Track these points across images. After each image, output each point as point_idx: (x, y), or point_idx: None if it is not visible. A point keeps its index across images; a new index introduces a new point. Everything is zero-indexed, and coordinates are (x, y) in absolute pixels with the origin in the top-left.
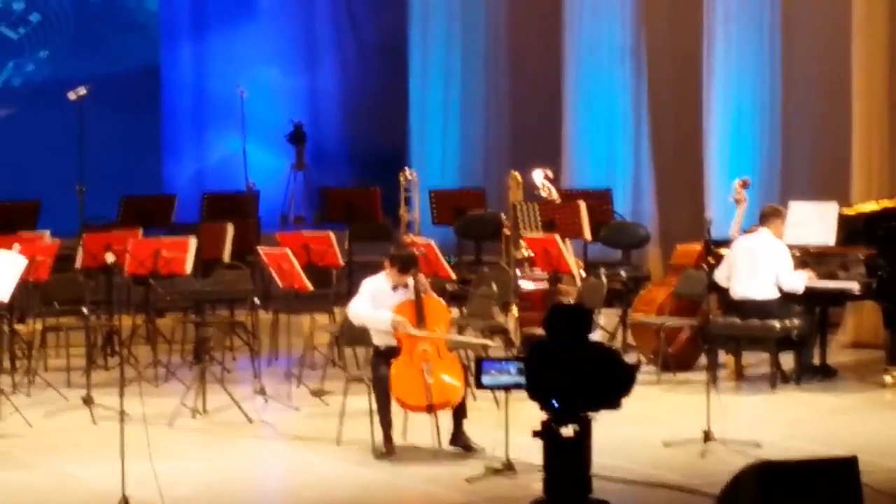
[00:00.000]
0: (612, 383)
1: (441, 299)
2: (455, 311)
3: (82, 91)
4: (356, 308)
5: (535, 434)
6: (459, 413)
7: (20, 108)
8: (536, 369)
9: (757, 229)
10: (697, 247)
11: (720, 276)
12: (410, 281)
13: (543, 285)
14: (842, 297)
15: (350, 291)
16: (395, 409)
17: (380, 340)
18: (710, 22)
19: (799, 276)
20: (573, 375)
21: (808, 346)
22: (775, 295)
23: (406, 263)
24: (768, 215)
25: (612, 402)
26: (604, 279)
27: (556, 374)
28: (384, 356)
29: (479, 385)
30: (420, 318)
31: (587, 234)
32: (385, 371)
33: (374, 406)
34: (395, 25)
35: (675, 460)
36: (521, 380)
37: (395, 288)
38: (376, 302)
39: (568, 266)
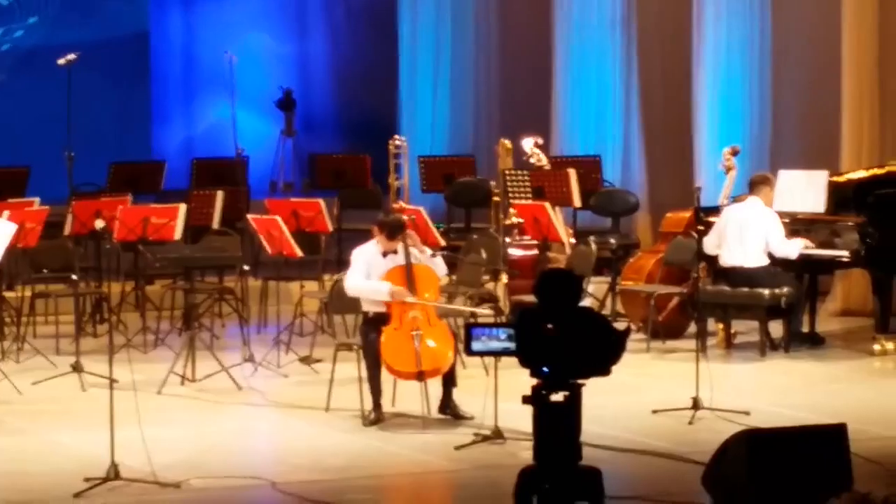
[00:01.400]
0: (603, 349)
1: (431, 257)
2: (444, 279)
3: (72, 57)
4: (353, 281)
5: (525, 400)
6: (449, 381)
7: (9, 75)
8: (526, 335)
9: (746, 198)
10: (687, 215)
11: (709, 244)
12: (400, 247)
13: (533, 252)
14: (831, 265)
15: (339, 258)
16: (385, 377)
17: (369, 307)
18: None
19: (793, 243)
20: (563, 342)
21: (797, 314)
22: (764, 262)
23: (394, 229)
24: (757, 183)
25: (603, 369)
26: (593, 247)
27: (546, 341)
28: (373, 323)
29: (469, 351)
30: (410, 285)
31: (577, 202)
32: (375, 338)
33: (364, 373)
34: None
35: (664, 428)
36: (511, 346)
37: (384, 254)
38: (369, 271)
39: (557, 234)
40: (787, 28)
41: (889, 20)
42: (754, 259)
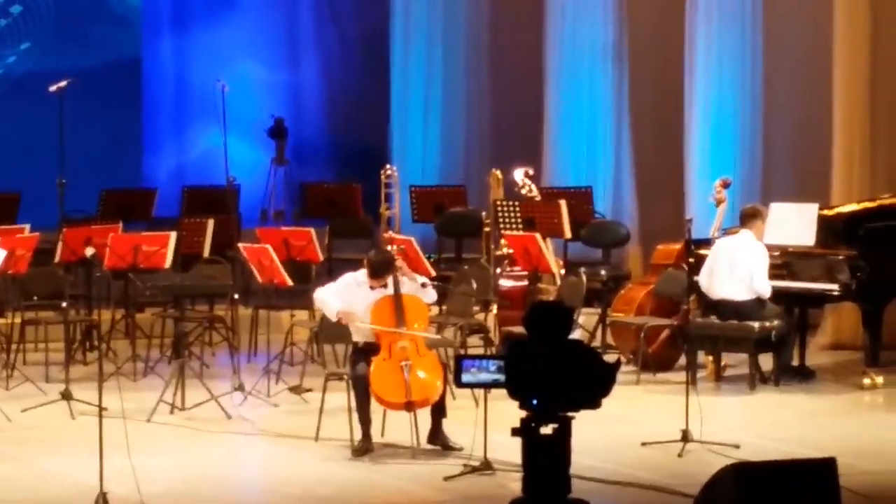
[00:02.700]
0: (592, 383)
1: (421, 285)
2: (434, 309)
3: (63, 84)
4: (319, 291)
5: (515, 432)
6: (438, 411)
7: (1, 100)
8: (516, 368)
9: (737, 230)
10: (678, 247)
11: (702, 280)
12: (390, 280)
13: (523, 283)
14: (821, 298)
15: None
16: (374, 407)
17: (359, 337)
18: (691, 21)
19: (767, 283)
20: (553, 374)
21: (787, 348)
22: (753, 295)
23: (378, 269)
24: (749, 216)
25: (592, 402)
26: (584, 278)
27: (536, 373)
28: (363, 353)
29: (459, 383)
30: (399, 314)
31: (567, 233)
32: (364, 368)
33: (353, 403)
34: (377, 22)
35: (653, 460)
36: (501, 378)
37: (373, 287)
38: (348, 292)
39: (548, 265)
40: (778, 61)
41: (880, 55)
42: (744, 292)
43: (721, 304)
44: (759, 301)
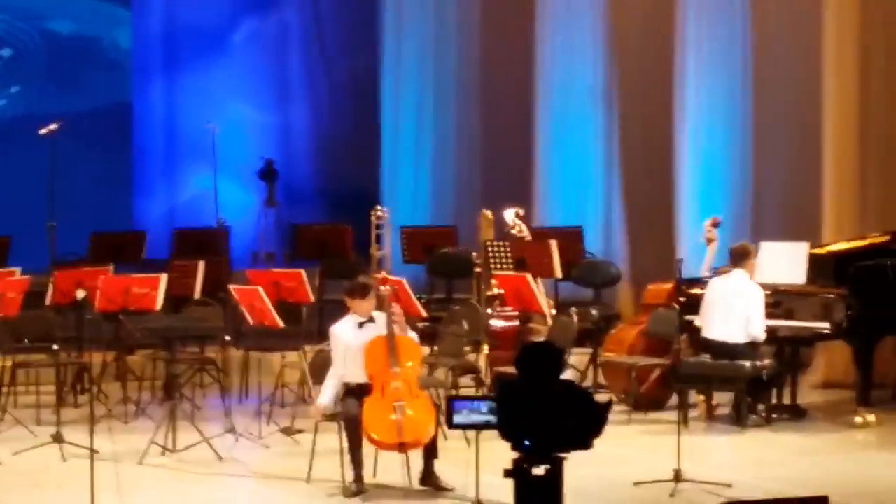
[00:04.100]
0: (584, 423)
1: (413, 336)
2: (426, 350)
3: (54, 127)
4: (324, 401)
5: (507, 474)
6: (430, 452)
7: None
8: (507, 409)
9: (728, 270)
10: (668, 286)
11: (701, 322)
12: (377, 315)
13: (514, 324)
14: (812, 336)
15: (321, 329)
16: (367, 447)
17: (350, 378)
18: (681, 62)
19: (763, 327)
20: (544, 415)
21: (778, 386)
22: (747, 339)
23: (364, 288)
24: (739, 256)
25: (584, 443)
26: (574, 318)
27: (528, 414)
28: (354, 394)
29: (451, 425)
30: (392, 354)
31: (558, 273)
32: (356, 410)
33: (346, 445)
34: (368, 64)
35: (645, 500)
36: (493, 419)
37: (361, 325)
38: (345, 355)
39: (539, 305)
40: (768, 100)
41: (870, 92)
42: (738, 335)
43: (713, 345)
44: (752, 344)
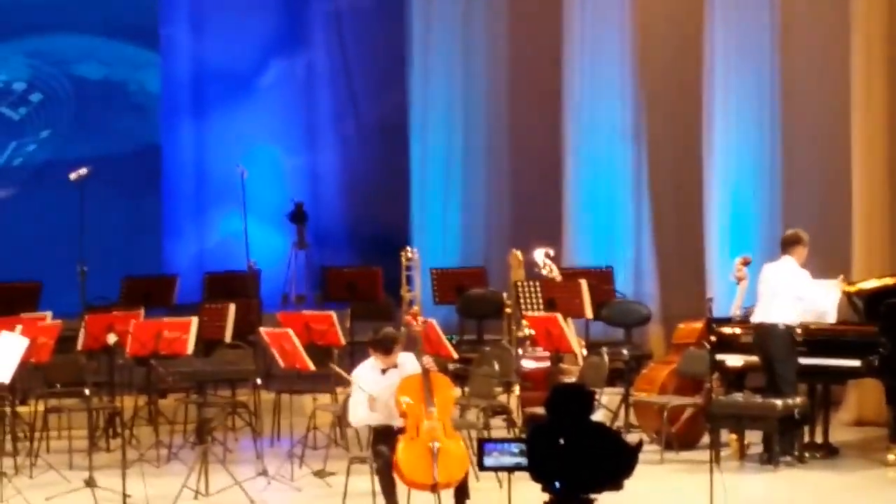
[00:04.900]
0: (615, 465)
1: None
2: (457, 391)
3: (83, 171)
4: (357, 418)
5: None
6: (462, 493)
7: (21, 188)
8: (538, 450)
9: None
10: (699, 325)
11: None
12: (403, 359)
13: (545, 364)
14: (843, 374)
15: (352, 371)
16: (399, 487)
17: (375, 420)
18: (709, 100)
19: (830, 298)
20: (575, 457)
21: (810, 424)
22: (787, 321)
23: (387, 344)
24: (790, 243)
25: (615, 484)
26: (605, 358)
27: (558, 456)
28: (382, 437)
29: (482, 467)
30: (428, 394)
31: (588, 313)
32: (387, 455)
33: (378, 488)
34: (396, 104)
35: None
36: (523, 461)
37: (384, 371)
38: (368, 386)
39: (569, 345)
40: (796, 137)
41: None
42: (777, 316)
43: (755, 329)
44: (788, 333)
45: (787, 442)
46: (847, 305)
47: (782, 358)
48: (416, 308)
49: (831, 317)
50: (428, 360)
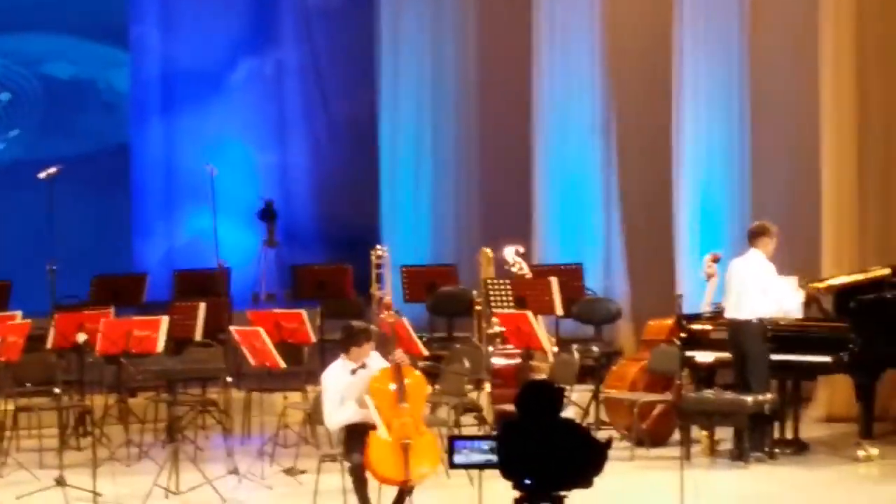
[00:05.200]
0: (584, 462)
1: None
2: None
3: (53, 170)
4: (334, 420)
5: None
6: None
7: None
8: (508, 448)
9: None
10: (669, 322)
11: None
12: (371, 358)
13: (516, 361)
14: (813, 370)
15: (323, 369)
16: (371, 483)
17: (350, 421)
18: (678, 98)
19: (792, 297)
20: (545, 454)
21: (780, 420)
22: (757, 315)
23: (357, 336)
24: (756, 234)
25: (585, 481)
26: (576, 355)
27: (528, 453)
28: (356, 434)
29: (452, 465)
30: (400, 390)
31: (559, 310)
32: (359, 458)
33: (349, 485)
34: (366, 103)
35: None
36: (494, 458)
37: (353, 371)
38: (343, 394)
39: (540, 342)
40: (766, 134)
41: (869, 122)
42: (747, 311)
43: (728, 325)
44: (757, 326)
45: (757, 438)
46: (811, 305)
47: (755, 354)
48: (388, 299)
49: (796, 313)
50: (400, 355)
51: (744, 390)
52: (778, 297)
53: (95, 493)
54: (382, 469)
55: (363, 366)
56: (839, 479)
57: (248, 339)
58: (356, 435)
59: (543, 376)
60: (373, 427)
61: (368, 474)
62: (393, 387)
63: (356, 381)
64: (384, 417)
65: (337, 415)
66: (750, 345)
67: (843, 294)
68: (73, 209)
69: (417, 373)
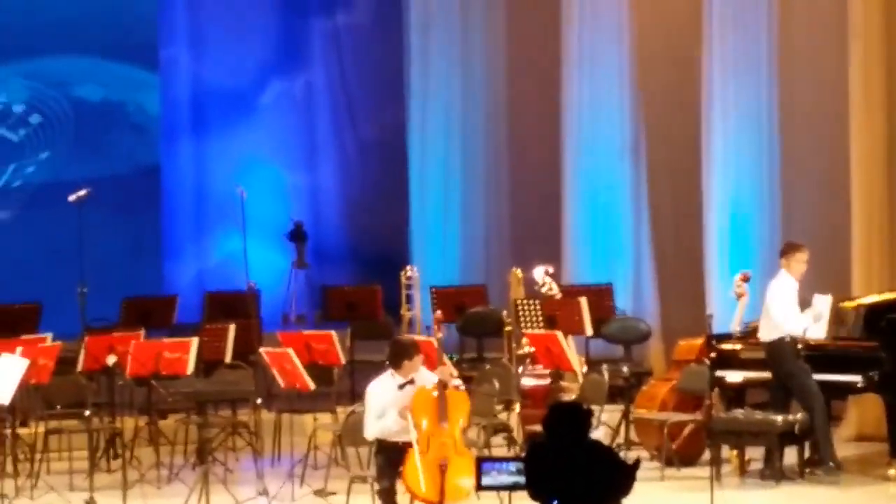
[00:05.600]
0: (612, 483)
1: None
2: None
3: (82, 193)
4: (372, 427)
5: None
6: None
7: (21, 210)
8: (536, 469)
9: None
10: (699, 342)
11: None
12: (420, 375)
13: (545, 382)
14: (844, 390)
15: (353, 390)
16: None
17: (388, 432)
18: (708, 116)
19: (800, 319)
20: (572, 475)
21: (811, 440)
22: (777, 336)
23: (408, 349)
24: (783, 253)
25: (613, 502)
26: (606, 375)
27: (556, 475)
28: (389, 455)
29: (479, 486)
30: (442, 410)
31: (588, 330)
32: (388, 484)
33: None
34: (395, 123)
35: None
36: (521, 479)
37: (401, 386)
38: (385, 408)
39: (570, 363)
40: (796, 153)
41: None
42: (768, 332)
43: (764, 350)
44: (788, 344)
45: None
46: (837, 324)
47: (795, 370)
48: (438, 313)
49: (817, 335)
50: (444, 372)
51: (780, 410)
52: (780, 321)
53: None
54: (417, 488)
55: (412, 381)
56: (870, 499)
57: (277, 360)
58: (391, 459)
59: (573, 397)
60: (409, 445)
61: (403, 490)
62: (434, 405)
63: (401, 397)
64: (423, 435)
65: (377, 423)
66: (785, 363)
67: (874, 313)
68: (104, 231)
69: (461, 389)
